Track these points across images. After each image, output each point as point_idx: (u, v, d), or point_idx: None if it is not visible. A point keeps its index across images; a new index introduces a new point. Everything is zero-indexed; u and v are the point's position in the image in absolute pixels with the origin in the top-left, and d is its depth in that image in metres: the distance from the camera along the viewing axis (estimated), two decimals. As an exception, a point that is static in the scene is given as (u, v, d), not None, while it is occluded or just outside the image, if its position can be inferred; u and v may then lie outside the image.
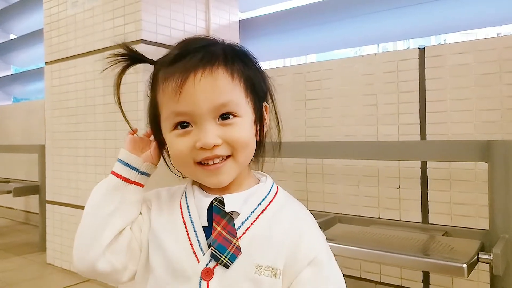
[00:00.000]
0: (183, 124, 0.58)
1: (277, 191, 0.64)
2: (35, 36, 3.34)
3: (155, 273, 0.59)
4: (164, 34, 1.82)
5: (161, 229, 0.61)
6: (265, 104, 0.65)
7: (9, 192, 2.50)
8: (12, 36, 4.02)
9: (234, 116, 0.58)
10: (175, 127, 0.59)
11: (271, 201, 0.61)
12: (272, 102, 0.67)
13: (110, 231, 0.60)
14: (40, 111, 2.94)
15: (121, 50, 0.63)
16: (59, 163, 2.15)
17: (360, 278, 1.59)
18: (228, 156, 0.58)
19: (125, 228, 0.63)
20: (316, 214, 1.58)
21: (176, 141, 0.58)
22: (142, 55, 0.64)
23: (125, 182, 0.63)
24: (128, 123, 0.70)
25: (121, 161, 0.64)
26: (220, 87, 0.56)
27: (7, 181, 3.05)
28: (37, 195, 2.52)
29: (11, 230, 3.08)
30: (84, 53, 2.00)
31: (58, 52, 2.14)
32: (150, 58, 0.65)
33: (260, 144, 0.66)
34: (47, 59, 2.22)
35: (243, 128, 0.58)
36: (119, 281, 0.63)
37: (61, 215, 2.13)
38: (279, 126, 0.67)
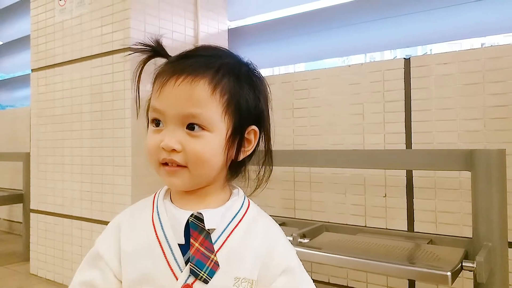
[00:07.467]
0: (157, 122, 0.60)
1: (248, 204, 0.65)
2: (21, 42, 3.30)
3: None
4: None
5: (136, 253, 0.59)
6: (252, 127, 0.62)
7: (-7, 200, 2.46)
8: (-2, 42, 3.98)
9: (203, 129, 0.57)
10: (152, 122, 0.61)
11: (244, 214, 0.63)
12: (265, 127, 0.65)
13: None
14: (25, 118, 2.89)
15: (148, 41, 0.64)
16: (44, 171, 2.12)
17: (346, 287, 1.59)
18: (184, 166, 0.58)
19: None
20: (303, 223, 1.60)
21: (150, 136, 0.61)
22: (165, 51, 0.65)
23: None
24: (137, 114, 0.68)
25: None
26: (194, 98, 0.56)
27: (-9, 190, 2.99)
28: (21, 204, 2.47)
29: (-6, 239, 3.02)
30: (71, 60, 1.98)
31: (44, 59, 2.12)
32: (170, 55, 0.65)
33: (240, 164, 0.64)
34: (34, 66, 2.19)
35: (207, 143, 0.57)
36: None
37: (46, 224, 2.09)
38: (269, 152, 0.66)
